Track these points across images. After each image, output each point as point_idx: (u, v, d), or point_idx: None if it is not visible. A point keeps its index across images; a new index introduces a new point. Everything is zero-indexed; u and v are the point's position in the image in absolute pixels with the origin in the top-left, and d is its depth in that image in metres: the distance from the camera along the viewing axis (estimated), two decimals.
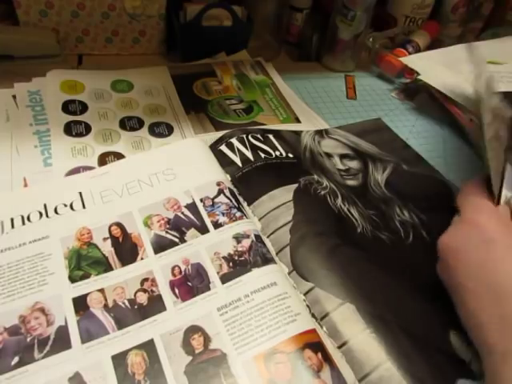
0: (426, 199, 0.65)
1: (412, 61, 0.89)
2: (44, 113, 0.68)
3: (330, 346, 0.46)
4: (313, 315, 0.48)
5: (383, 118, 0.84)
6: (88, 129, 0.67)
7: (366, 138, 0.75)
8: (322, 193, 0.61)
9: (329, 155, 0.69)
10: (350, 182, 0.65)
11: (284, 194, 0.60)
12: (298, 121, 0.78)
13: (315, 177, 0.64)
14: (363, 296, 0.50)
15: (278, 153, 0.67)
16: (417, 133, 0.82)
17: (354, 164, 0.68)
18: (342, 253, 0.54)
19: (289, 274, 0.52)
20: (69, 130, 0.66)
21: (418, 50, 0.96)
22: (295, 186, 0.62)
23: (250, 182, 0.62)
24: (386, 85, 0.96)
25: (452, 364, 0.46)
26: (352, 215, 0.59)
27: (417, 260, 0.56)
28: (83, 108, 0.71)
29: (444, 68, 0.86)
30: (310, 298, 0.50)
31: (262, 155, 0.65)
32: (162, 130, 0.70)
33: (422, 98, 0.91)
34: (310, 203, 0.60)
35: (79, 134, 0.66)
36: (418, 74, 0.86)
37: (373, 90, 0.93)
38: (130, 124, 0.70)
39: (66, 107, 0.70)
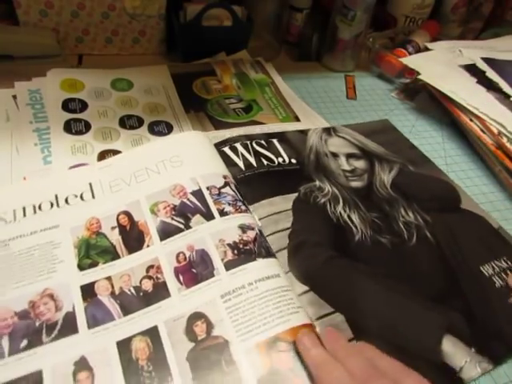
0: (432, 200, 0.65)
1: (412, 61, 0.90)
2: (44, 111, 0.68)
3: None
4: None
5: (383, 117, 0.84)
6: (88, 127, 0.67)
7: (373, 137, 0.75)
8: (322, 201, 0.61)
9: (335, 155, 0.69)
10: (355, 184, 0.65)
11: (283, 202, 0.60)
12: (297, 119, 0.78)
13: (317, 183, 0.64)
14: (353, 308, 0.50)
15: (280, 159, 0.67)
16: (417, 133, 0.82)
17: (360, 164, 0.69)
18: (336, 264, 0.54)
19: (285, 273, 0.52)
20: (68, 127, 0.66)
21: (417, 50, 0.96)
22: (295, 195, 0.62)
23: (252, 185, 0.62)
24: (386, 85, 0.96)
25: (441, 374, 0.45)
26: (352, 222, 0.59)
27: (419, 262, 0.56)
28: (83, 106, 0.71)
29: (444, 68, 0.86)
30: (303, 301, 0.49)
31: (265, 162, 0.66)
32: (161, 128, 0.70)
33: (422, 97, 0.91)
34: (308, 213, 0.60)
35: (79, 132, 0.66)
36: (418, 73, 0.86)
37: (373, 90, 0.93)
38: (129, 122, 0.70)
39: (66, 105, 0.70)
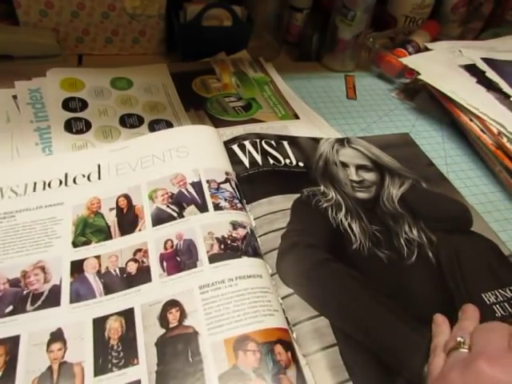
0: (441, 220, 0.63)
1: (412, 61, 0.90)
2: (44, 110, 0.68)
3: (297, 350, 0.46)
4: (286, 319, 0.48)
5: (383, 117, 0.84)
6: (88, 126, 0.68)
7: (388, 151, 0.73)
8: (325, 205, 0.61)
9: (344, 165, 0.68)
10: (361, 195, 0.64)
11: (284, 202, 0.60)
12: (296, 117, 0.79)
13: (321, 188, 0.63)
14: (339, 313, 0.49)
15: (288, 161, 0.66)
16: (417, 133, 0.82)
17: (369, 176, 0.67)
18: (328, 267, 0.54)
19: (271, 275, 0.52)
20: (69, 126, 0.67)
21: (417, 50, 0.96)
22: (297, 195, 0.61)
23: (253, 183, 0.62)
24: (386, 85, 0.96)
25: None
26: (351, 230, 0.58)
27: (414, 281, 0.55)
28: (83, 105, 0.71)
29: (444, 68, 0.86)
30: (287, 303, 0.49)
31: (271, 161, 0.65)
32: (161, 127, 0.70)
33: (422, 97, 0.91)
34: (308, 214, 0.60)
35: (80, 131, 0.66)
36: (418, 73, 0.86)
37: (373, 90, 0.93)
38: (129, 121, 0.70)
39: (67, 104, 0.70)
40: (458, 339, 0.43)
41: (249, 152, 0.66)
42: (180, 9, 0.84)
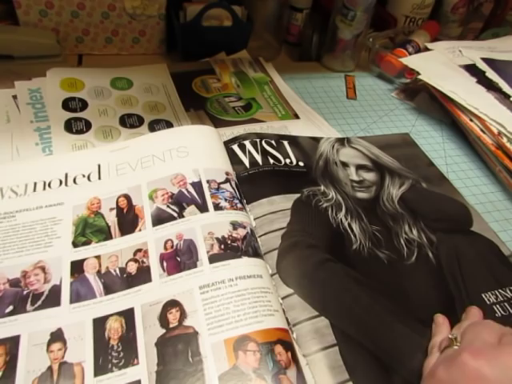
0: (441, 220, 0.63)
1: (412, 61, 0.90)
2: (44, 110, 0.68)
3: (297, 350, 0.46)
4: (286, 319, 0.48)
5: (383, 117, 0.84)
6: (88, 126, 0.67)
7: (389, 151, 0.73)
8: (325, 205, 0.61)
9: (344, 164, 0.68)
10: (361, 195, 0.64)
11: (284, 202, 0.60)
12: (296, 117, 0.79)
13: (322, 188, 0.63)
14: (339, 313, 0.49)
15: (288, 160, 0.66)
16: (417, 133, 0.82)
17: (369, 176, 0.67)
18: (328, 268, 0.54)
19: (271, 275, 0.52)
20: (69, 126, 0.67)
21: (417, 50, 0.96)
22: (297, 195, 0.61)
23: (254, 183, 0.62)
24: (386, 85, 0.96)
25: None
26: (352, 230, 0.58)
27: (414, 282, 0.55)
28: (83, 105, 0.71)
29: (444, 68, 0.86)
30: (287, 303, 0.49)
31: (271, 161, 0.65)
32: (161, 127, 0.70)
33: (422, 97, 0.91)
34: (308, 214, 0.59)
35: (80, 131, 0.66)
36: (418, 73, 0.86)
37: (373, 90, 0.93)
38: (129, 121, 0.70)
39: (67, 104, 0.70)
40: (450, 336, 0.44)
41: (249, 152, 0.66)
42: (180, 9, 0.84)
